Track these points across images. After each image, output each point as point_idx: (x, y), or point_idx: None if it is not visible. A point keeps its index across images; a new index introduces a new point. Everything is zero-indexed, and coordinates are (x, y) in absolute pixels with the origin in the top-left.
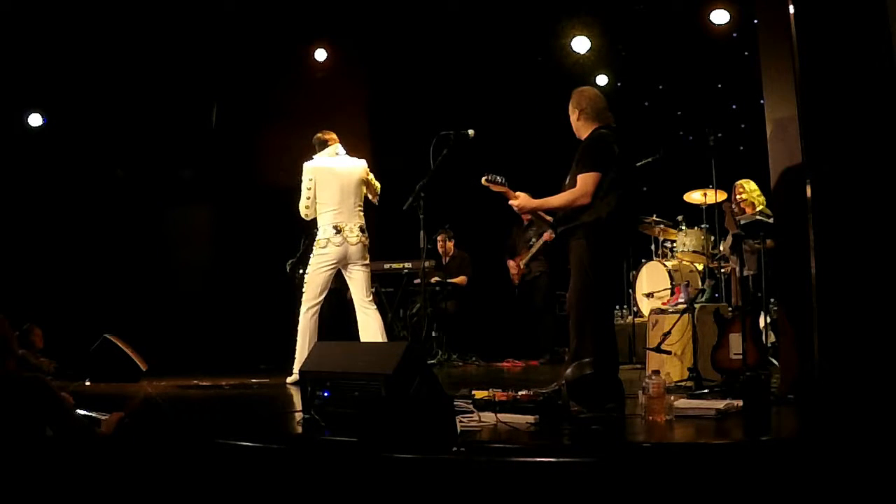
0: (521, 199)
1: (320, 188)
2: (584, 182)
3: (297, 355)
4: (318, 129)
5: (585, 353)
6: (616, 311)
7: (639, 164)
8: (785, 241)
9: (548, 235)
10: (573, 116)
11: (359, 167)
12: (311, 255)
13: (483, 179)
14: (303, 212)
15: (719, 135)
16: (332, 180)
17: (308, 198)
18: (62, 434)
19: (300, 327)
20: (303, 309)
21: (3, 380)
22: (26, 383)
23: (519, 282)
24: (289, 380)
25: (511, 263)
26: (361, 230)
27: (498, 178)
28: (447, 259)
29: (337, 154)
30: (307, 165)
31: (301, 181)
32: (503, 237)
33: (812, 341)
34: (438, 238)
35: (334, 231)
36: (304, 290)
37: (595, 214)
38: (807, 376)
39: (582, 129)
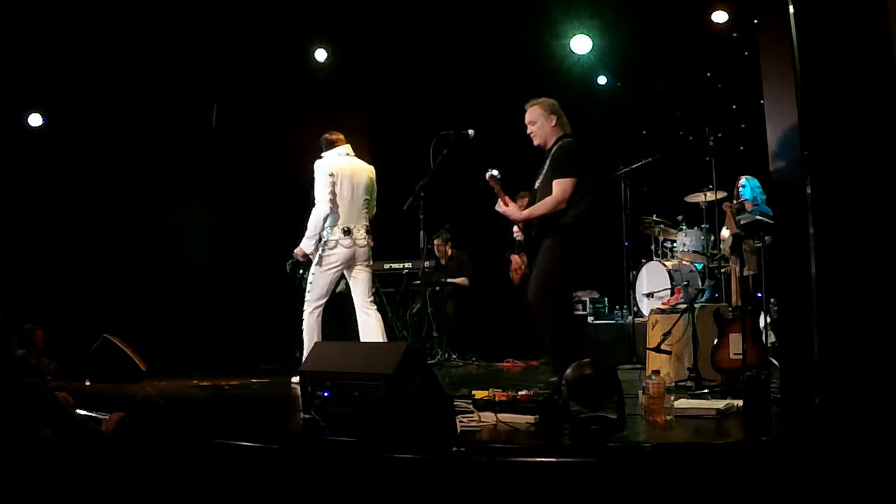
0: (510, 209)
1: (334, 186)
2: (563, 188)
3: (304, 354)
4: (319, 129)
5: (557, 344)
6: (616, 311)
7: (638, 164)
8: (784, 241)
9: (518, 234)
10: (549, 122)
11: (368, 169)
12: (318, 256)
13: (487, 175)
14: (327, 207)
15: (719, 135)
16: (345, 180)
17: (332, 192)
18: (62, 436)
19: (307, 327)
20: (308, 309)
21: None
22: (24, 389)
23: (520, 282)
24: (295, 379)
25: (514, 258)
26: (367, 231)
27: (498, 175)
28: (446, 260)
29: (347, 154)
30: (322, 163)
31: (316, 180)
32: (503, 236)
33: (807, 341)
34: (436, 241)
35: (343, 233)
36: (308, 289)
37: (570, 218)
38: (799, 376)
39: (552, 135)
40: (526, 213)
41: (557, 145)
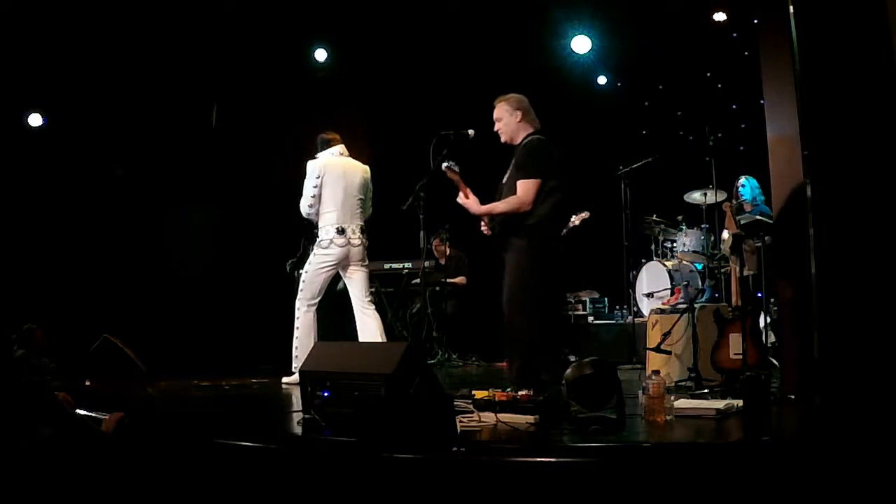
0: (470, 202)
1: (325, 187)
2: (527, 189)
3: (298, 353)
4: (318, 130)
5: (517, 349)
6: (616, 311)
7: (638, 164)
8: (784, 241)
9: (485, 228)
10: (514, 119)
11: (362, 168)
12: (312, 255)
13: (443, 165)
14: (306, 210)
15: (719, 135)
16: (338, 180)
17: (314, 195)
18: (62, 436)
19: (303, 325)
20: (302, 308)
21: None
22: (24, 389)
23: None
24: (286, 379)
25: None
26: (362, 231)
27: (455, 167)
28: (444, 259)
29: (341, 154)
30: (314, 163)
31: (306, 179)
32: None
33: (806, 341)
34: (434, 241)
35: (337, 232)
36: (301, 288)
37: (535, 218)
38: (798, 375)
39: (520, 131)
40: (486, 208)
41: (523, 143)
